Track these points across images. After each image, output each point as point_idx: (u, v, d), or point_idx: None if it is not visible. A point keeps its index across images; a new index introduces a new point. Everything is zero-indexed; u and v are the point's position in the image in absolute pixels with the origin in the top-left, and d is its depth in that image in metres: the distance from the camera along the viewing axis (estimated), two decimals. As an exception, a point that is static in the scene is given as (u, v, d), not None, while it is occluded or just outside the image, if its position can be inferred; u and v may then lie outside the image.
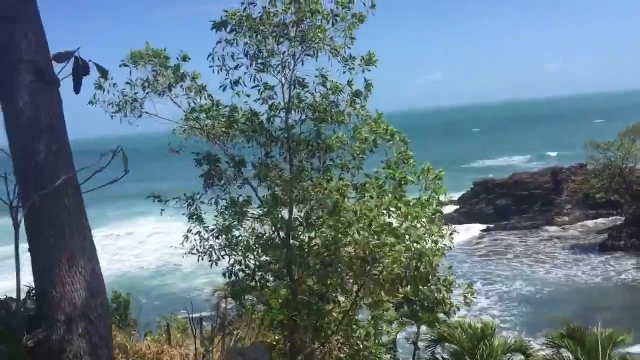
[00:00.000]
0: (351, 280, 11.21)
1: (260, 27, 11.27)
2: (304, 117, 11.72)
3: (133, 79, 11.90)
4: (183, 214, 12.24)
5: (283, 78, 11.60)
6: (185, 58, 11.89)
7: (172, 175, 69.82)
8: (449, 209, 60.21)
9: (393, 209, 9.68)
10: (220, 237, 12.17)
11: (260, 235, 12.00)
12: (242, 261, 12.21)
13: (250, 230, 12.24)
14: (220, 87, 11.69)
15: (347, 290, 11.45)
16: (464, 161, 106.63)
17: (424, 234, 9.82)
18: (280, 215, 11.57)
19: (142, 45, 11.84)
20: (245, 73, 11.58)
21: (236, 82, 11.63)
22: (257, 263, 12.17)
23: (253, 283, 12.15)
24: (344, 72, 11.33)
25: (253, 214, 12.05)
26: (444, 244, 10.36)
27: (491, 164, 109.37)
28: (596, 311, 34.48)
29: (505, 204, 65.27)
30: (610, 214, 62.68)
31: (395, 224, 9.93)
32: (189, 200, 12.26)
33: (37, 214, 5.44)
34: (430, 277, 10.48)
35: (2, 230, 12.91)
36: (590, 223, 62.05)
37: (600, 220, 62.11)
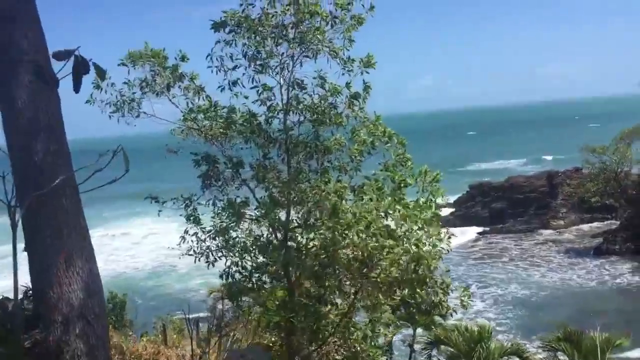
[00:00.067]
0: (349, 283, 11.19)
1: (259, 28, 11.25)
2: (302, 118, 11.69)
3: (131, 78, 11.87)
4: (181, 215, 12.21)
5: (281, 79, 11.58)
6: (183, 58, 11.86)
7: (170, 175, 69.82)
8: (445, 212, 60.26)
9: (391, 212, 9.66)
10: (217, 238, 12.15)
11: (257, 237, 11.97)
12: (239, 263, 12.19)
13: (247, 232, 12.21)
14: (219, 87, 11.68)
15: (345, 292, 11.43)
16: (459, 164, 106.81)
17: (423, 237, 9.81)
18: (277, 217, 11.54)
19: (140, 46, 11.81)
20: (243, 74, 11.58)
21: (234, 83, 11.61)
22: (254, 265, 12.15)
23: (250, 285, 12.12)
24: (343, 74, 11.33)
25: (250, 215, 12.02)
26: (442, 247, 10.37)
27: (487, 167, 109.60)
28: (592, 315, 34.59)
29: (500, 207, 65.40)
30: (605, 218, 62.88)
31: (393, 227, 9.92)
32: (187, 201, 12.23)
33: (34, 214, 5.41)
34: (427, 280, 10.48)
35: (0, 230, 12.89)
36: (585, 227, 62.20)
37: (595, 224, 62.30)
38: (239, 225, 11.93)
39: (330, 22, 11.12)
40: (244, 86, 11.65)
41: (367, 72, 11.26)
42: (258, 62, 11.46)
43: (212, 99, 12.15)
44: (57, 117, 5.68)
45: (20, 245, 5.16)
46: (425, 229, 9.87)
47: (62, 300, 5.50)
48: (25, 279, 5.72)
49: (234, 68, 11.54)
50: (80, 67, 5.28)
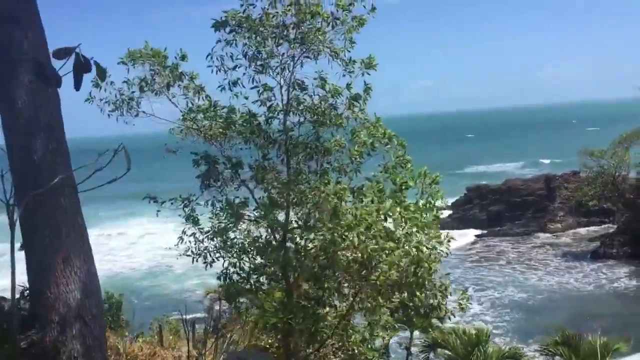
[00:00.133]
0: (348, 285, 11.14)
1: (260, 29, 11.20)
2: (302, 119, 11.64)
3: (131, 77, 11.81)
4: (179, 215, 12.14)
5: (282, 80, 11.54)
6: (183, 58, 11.80)
7: (169, 176, 69.76)
8: (443, 214, 60.21)
9: (392, 214, 9.62)
10: (215, 239, 12.10)
11: (256, 238, 11.92)
12: (237, 264, 12.14)
13: (245, 233, 12.16)
14: (219, 87, 11.63)
15: (344, 294, 11.38)
16: (457, 167, 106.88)
17: (423, 240, 9.77)
18: (276, 218, 11.49)
19: (140, 45, 11.76)
20: (244, 74, 11.53)
21: (235, 83, 11.57)
22: (251, 266, 12.10)
23: (248, 286, 12.07)
24: (344, 75, 11.29)
25: (249, 216, 11.97)
26: (441, 250, 10.33)
27: (485, 169, 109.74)
28: (589, 319, 34.57)
29: (498, 210, 65.41)
30: (602, 222, 62.88)
31: (393, 229, 9.88)
32: (185, 202, 12.17)
33: (32, 213, 5.37)
34: (426, 282, 10.44)
35: (-4, 229, 12.80)
36: (582, 230, 62.23)
37: (592, 227, 62.29)
38: (237, 226, 11.87)
39: (331, 23, 11.08)
40: (243, 86, 11.63)
41: (368, 74, 11.23)
42: (258, 63, 11.41)
43: (212, 98, 12.10)
44: (56, 116, 5.66)
45: (18, 245, 5.11)
46: (426, 232, 9.83)
47: (59, 300, 5.46)
48: (21, 278, 5.68)
49: (234, 68, 11.50)
50: (81, 66, 5.24)
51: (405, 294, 10.44)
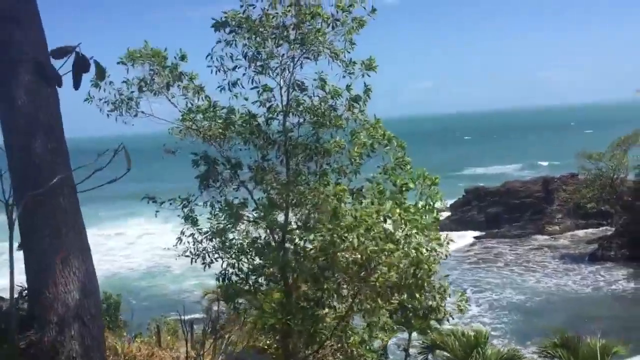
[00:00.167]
0: (347, 286, 11.12)
1: (260, 29, 11.19)
2: (302, 120, 11.63)
3: (130, 77, 11.79)
4: (178, 215, 12.12)
5: (282, 81, 11.53)
6: (183, 58, 11.79)
7: (168, 176, 69.75)
8: (442, 216, 60.06)
9: (392, 215, 9.60)
10: (214, 239, 12.07)
11: (255, 239, 11.90)
12: (236, 264, 12.12)
13: (244, 234, 12.13)
14: (218, 87, 11.62)
15: (343, 295, 11.36)
16: (455, 168, 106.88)
17: (423, 241, 9.75)
18: (275, 219, 11.48)
19: (139, 45, 11.74)
20: (243, 74, 11.52)
21: (234, 84, 11.55)
22: (250, 266, 12.08)
23: (247, 287, 12.05)
24: (343, 77, 11.28)
25: (248, 217, 11.95)
26: (440, 252, 10.32)
27: (483, 171, 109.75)
28: (587, 321, 34.59)
29: (496, 212, 65.43)
30: (600, 224, 62.94)
31: (392, 230, 9.86)
32: (184, 202, 12.14)
33: (31, 213, 5.35)
34: (425, 284, 10.42)
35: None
36: (580, 233, 62.23)
37: (590, 230, 62.32)
38: (236, 227, 11.86)
39: (331, 24, 11.08)
40: (243, 87, 11.62)
41: (369, 75, 11.23)
42: (258, 63, 11.41)
43: (212, 99, 12.08)
44: (56, 116, 5.64)
45: (16, 244, 5.09)
46: (425, 234, 9.82)
47: (58, 300, 5.44)
48: (20, 278, 5.66)
49: (234, 68, 11.49)
50: (81, 65, 5.23)
51: (405, 296, 10.41)
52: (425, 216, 9.95)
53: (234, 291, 12.08)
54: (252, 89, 11.51)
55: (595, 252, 53.29)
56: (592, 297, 43.66)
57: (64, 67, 5.29)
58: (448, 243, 10.44)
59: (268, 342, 15.01)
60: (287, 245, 11.65)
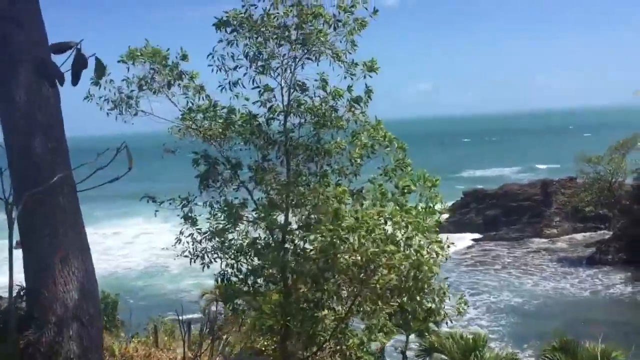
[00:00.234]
0: (347, 288, 11.07)
1: (261, 29, 11.15)
2: (302, 121, 11.59)
3: (130, 76, 11.73)
4: (178, 215, 12.05)
5: (282, 81, 11.49)
6: (184, 57, 11.73)
7: (167, 175, 69.65)
8: (443, 219, 60.02)
9: (394, 217, 9.56)
10: (213, 240, 12.01)
11: (254, 239, 11.84)
12: (235, 265, 12.05)
13: (243, 234, 12.07)
14: (219, 87, 11.57)
15: (343, 297, 11.31)
16: (454, 170, 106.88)
17: (424, 244, 9.72)
18: (275, 220, 11.42)
19: (140, 44, 11.69)
20: (244, 74, 11.47)
21: (235, 84, 11.51)
22: (249, 267, 12.02)
23: (246, 288, 11.99)
24: (345, 78, 11.24)
25: (248, 217, 11.89)
26: (441, 254, 10.28)
27: (481, 174, 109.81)
28: (585, 325, 34.57)
29: (494, 215, 65.46)
30: (598, 228, 63.00)
31: (391, 231, 9.83)
32: (184, 202, 12.07)
33: (31, 212, 5.30)
34: (425, 286, 10.39)
35: (-4, 228, 12.67)
36: (578, 236, 62.29)
37: (588, 233, 62.35)
38: (236, 227, 11.80)
39: (333, 25, 11.04)
40: (244, 86, 11.57)
41: (370, 76, 11.19)
42: (259, 63, 11.36)
43: (212, 98, 12.03)
44: (56, 115, 5.61)
45: (14, 243, 5.04)
46: (427, 236, 9.77)
47: (57, 300, 5.40)
48: (17, 277, 5.60)
49: (235, 68, 11.44)
50: (80, 61, 5.18)
51: (405, 298, 10.36)
52: (426, 218, 9.91)
53: (233, 292, 12.01)
54: (253, 88, 11.48)
55: (593, 256, 53.33)
56: (589, 300, 43.68)
57: (65, 64, 5.26)
58: (448, 246, 10.41)
59: (266, 343, 14.94)
60: (286, 246, 11.58)
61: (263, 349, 15.00)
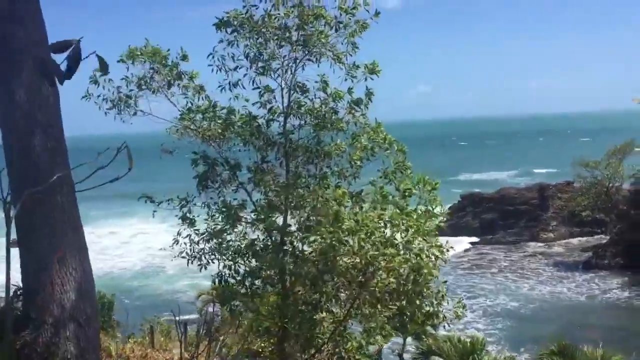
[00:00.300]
0: (346, 291, 11.01)
1: (262, 30, 11.11)
2: (302, 122, 11.54)
3: (130, 75, 11.67)
4: (176, 215, 11.98)
5: (283, 82, 11.45)
6: (184, 57, 11.68)
7: (166, 176, 69.53)
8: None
9: (392, 220, 9.51)
10: (210, 241, 11.94)
11: (253, 240, 11.77)
12: (232, 266, 11.99)
13: (241, 235, 12.01)
14: (219, 87, 11.51)
15: (342, 300, 11.25)
16: (450, 174, 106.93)
17: (424, 247, 9.67)
18: (274, 221, 11.36)
19: (140, 44, 11.63)
20: (245, 75, 11.42)
21: (235, 84, 11.45)
22: (247, 269, 11.95)
23: (243, 290, 11.92)
24: (345, 80, 11.20)
25: (246, 218, 11.83)
26: (440, 258, 10.25)
27: (478, 177, 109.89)
28: (581, 329, 34.60)
29: (491, 218, 65.46)
30: (595, 233, 63.02)
31: (389, 234, 9.78)
32: (182, 202, 12.00)
33: (29, 212, 5.26)
34: (424, 290, 10.35)
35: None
36: (575, 241, 62.31)
37: (585, 238, 62.37)
38: (234, 229, 11.73)
39: (334, 27, 11.00)
40: (244, 87, 11.52)
41: (371, 79, 11.15)
42: (260, 64, 11.32)
43: (212, 99, 11.97)
44: (55, 114, 5.59)
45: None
46: (427, 239, 9.73)
47: (54, 301, 5.37)
48: (14, 276, 5.55)
49: (235, 69, 11.40)
50: (76, 57, 5.16)
51: (404, 302, 10.31)
52: (425, 221, 9.87)
53: (230, 293, 11.95)
54: (254, 88, 11.42)
55: (589, 260, 53.35)
56: (586, 305, 43.67)
57: (65, 63, 5.22)
58: (447, 250, 10.37)
59: (263, 345, 14.89)
60: (285, 247, 11.52)
61: (260, 350, 14.95)
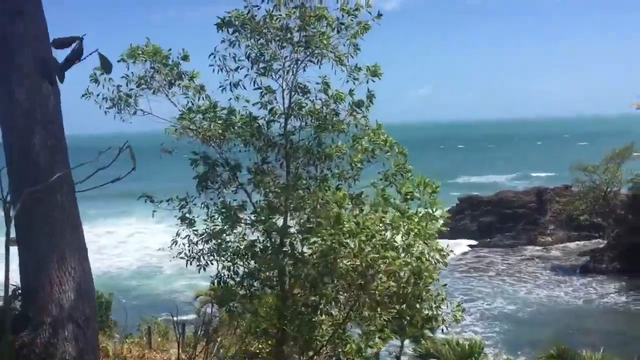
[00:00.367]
0: (345, 294, 10.97)
1: (263, 30, 11.08)
2: (303, 124, 11.51)
3: (130, 74, 11.64)
4: (175, 216, 11.93)
5: (284, 83, 11.41)
6: (185, 58, 11.64)
7: (165, 175, 69.48)
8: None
9: (392, 223, 9.48)
10: (209, 241, 11.89)
11: (252, 242, 11.72)
12: (231, 267, 11.94)
13: (240, 236, 11.96)
14: (220, 87, 11.47)
15: (341, 302, 11.21)
16: (449, 176, 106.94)
17: (426, 251, 9.64)
18: (274, 223, 11.31)
19: (140, 44, 11.60)
20: (246, 76, 11.38)
21: (236, 85, 11.42)
22: (246, 270, 11.90)
23: (242, 291, 11.87)
24: (347, 81, 11.17)
25: (245, 219, 11.78)
26: (441, 261, 10.22)
27: (476, 180, 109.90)
28: (579, 333, 34.61)
29: (489, 221, 65.51)
30: (592, 237, 63.11)
31: (396, 239, 9.75)
32: (182, 202, 11.95)
33: (29, 211, 5.22)
34: (424, 293, 10.32)
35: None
36: (572, 245, 62.39)
37: (582, 242, 62.43)
38: (233, 230, 11.68)
39: (336, 28, 10.97)
40: (245, 88, 11.48)
41: (373, 81, 11.13)
42: (261, 65, 11.28)
43: (212, 99, 11.93)
44: (56, 113, 5.56)
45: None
46: (428, 243, 9.70)
47: (52, 301, 5.33)
48: (12, 276, 5.52)
49: (237, 69, 11.36)
50: (78, 54, 5.14)
51: (404, 306, 10.27)
52: (426, 224, 9.83)
53: (229, 294, 11.90)
54: (255, 89, 11.38)
55: (587, 264, 53.37)
56: (583, 309, 43.67)
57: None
58: (447, 254, 10.34)
59: (260, 346, 14.84)
60: (285, 249, 11.47)
61: (258, 352, 14.90)
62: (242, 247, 11.78)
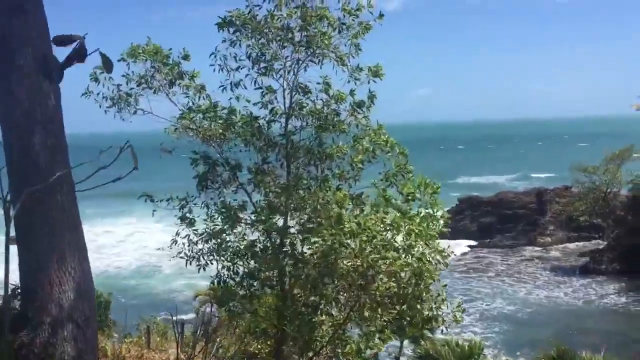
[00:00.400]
0: (346, 294, 10.94)
1: (265, 30, 11.05)
2: (304, 124, 11.47)
3: (130, 73, 11.60)
4: (175, 215, 11.90)
5: (285, 83, 11.37)
6: (186, 57, 11.61)
7: (164, 175, 69.38)
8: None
9: (393, 224, 9.46)
10: (209, 241, 11.86)
11: (252, 242, 11.69)
12: (231, 267, 11.91)
13: (240, 236, 11.93)
14: (220, 87, 11.44)
15: (342, 303, 11.18)
16: (449, 177, 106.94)
17: (427, 251, 9.62)
18: (274, 223, 11.28)
19: (140, 44, 11.56)
20: (246, 75, 11.35)
21: (237, 85, 11.38)
22: (245, 270, 11.88)
23: (242, 291, 11.84)
24: (348, 82, 11.14)
25: (246, 219, 11.75)
26: (442, 262, 10.20)
27: (476, 181, 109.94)
28: (578, 334, 34.58)
29: (489, 222, 65.51)
30: (592, 238, 63.14)
31: (397, 240, 9.73)
32: (182, 202, 11.91)
33: (29, 210, 5.20)
34: (424, 294, 10.30)
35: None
36: (572, 245, 62.40)
37: (582, 243, 62.47)
38: (233, 230, 11.65)
39: (337, 28, 10.94)
40: (245, 87, 11.44)
41: (374, 81, 11.09)
42: (262, 64, 11.24)
43: (213, 98, 11.90)
44: (56, 112, 5.54)
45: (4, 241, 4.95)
46: (429, 244, 9.68)
47: (52, 301, 5.32)
48: (12, 276, 5.49)
49: (237, 69, 11.32)
50: (80, 53, 5.12)
51: (405, 306, 10.24)
52: (427, 225, 9.81)
53: (228, 295, 11.87)
54: (256, 88, 11.34)
55: (586, 265, 53.37)
56: (583, 310, 43.67)
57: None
58: (448, 255, 10.32)
59: (260, 346, 14.82)
60: (285, 249, 11.44)
61: (257, 352, 14.89)
62: (242, 247, 11.74)
